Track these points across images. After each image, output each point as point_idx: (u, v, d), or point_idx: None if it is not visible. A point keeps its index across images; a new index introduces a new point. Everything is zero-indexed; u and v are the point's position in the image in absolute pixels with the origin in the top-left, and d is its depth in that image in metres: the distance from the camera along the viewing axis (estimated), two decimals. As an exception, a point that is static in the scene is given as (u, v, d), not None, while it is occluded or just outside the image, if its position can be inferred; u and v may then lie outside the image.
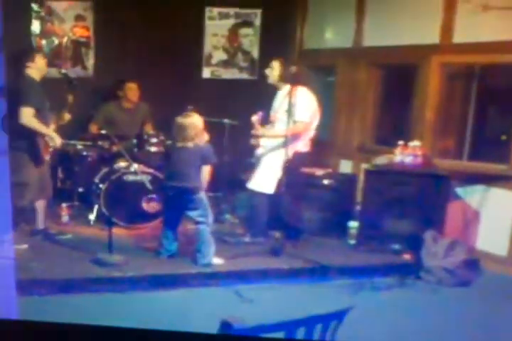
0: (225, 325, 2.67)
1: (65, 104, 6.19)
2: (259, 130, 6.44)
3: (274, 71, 6.47)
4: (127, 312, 4.97)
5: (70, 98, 6.18)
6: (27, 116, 5.78)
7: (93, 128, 7.64)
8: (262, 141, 6.50)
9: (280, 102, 6.46)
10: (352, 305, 2.77)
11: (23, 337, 2.31)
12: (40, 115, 5.92)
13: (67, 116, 6.26)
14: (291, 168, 6.23)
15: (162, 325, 4.54)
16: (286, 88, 6.36)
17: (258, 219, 6.58)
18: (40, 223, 6.42)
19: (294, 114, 6.12)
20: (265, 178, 6.42)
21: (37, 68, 6.03)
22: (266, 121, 6.54)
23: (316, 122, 6.47)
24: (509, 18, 6.16)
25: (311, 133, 6.49)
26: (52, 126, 6.15)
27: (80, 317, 4.73)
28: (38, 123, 5.90)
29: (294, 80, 6.27)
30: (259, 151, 6.56)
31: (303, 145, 6.44)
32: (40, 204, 6.36)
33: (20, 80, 5.91)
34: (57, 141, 6.07)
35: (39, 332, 2.34)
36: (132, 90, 7.86)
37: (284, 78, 6.38)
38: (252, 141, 6.53)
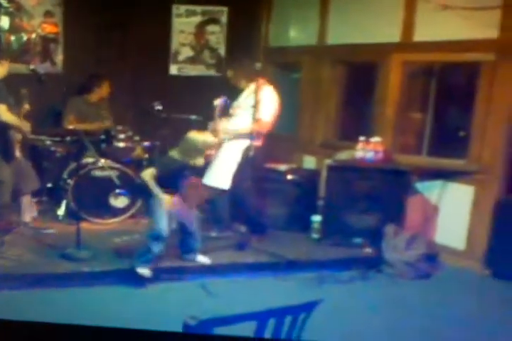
0: (186, 326, 2.65)
1: (24, 96, 6.06)
2: (219, 124, 6.36)
3: (236, 73, 6.44)
4: (95, 307, 4.91)
5: (23, 92, 6.08)
6: (3, 112, 5.74)
7: (66, 124, 7.51)
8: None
9: (245, 97, 6.42)
10: (320, 298, 2.76)
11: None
12: (11, 110, 5.86)
13: (26, 107, 6.10)
14: (249, 162, 6.20)
15: (127, 320, 4.59)
16: (251, 86, 6.32)
17: (221, 214, 6.55)
18: (26, 217, 6.36)
19: (258, 112, 6.08)
20: (220, 174, 6.34)
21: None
22: (225, 112, 6.47)
23: (273, 121, 6.41)
24: (468, 17, 6.17)
25: (267, 130, 6.44)
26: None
27: (48, 312, 4.72)
28: (13, 118, 5.86)
29: (259, 77, 6.25)
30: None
31: (256, 140, 6.39)
32: (24, 199, 6.30)
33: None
34: (26, 129, 6.04)
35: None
36: (104, 86, 7.74)
37: (249, 76, 6.34)
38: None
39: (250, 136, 6.09)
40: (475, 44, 6.17)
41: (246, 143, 6.18)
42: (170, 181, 5.32)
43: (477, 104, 6.31)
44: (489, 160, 6.18)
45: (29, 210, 6.43)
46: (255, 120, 6.09)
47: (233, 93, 6.61)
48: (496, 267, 6.05)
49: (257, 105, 6.07)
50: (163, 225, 5.32)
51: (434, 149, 6.89)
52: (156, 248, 5.37)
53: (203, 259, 5.79)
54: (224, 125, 6.35)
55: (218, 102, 6.34)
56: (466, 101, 6.56)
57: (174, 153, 5.35)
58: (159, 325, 4.42)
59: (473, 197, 6.32)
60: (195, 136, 5.33)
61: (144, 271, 5.42)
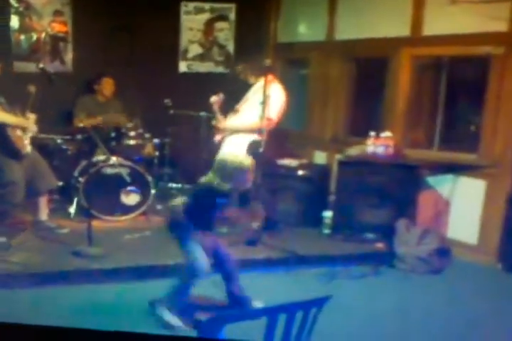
0: (198, 322, 2.61)
1: (26, 103, 5.95)
2: (221, 122, 6.31)
3: (245, 69, 6.38)
4: (106, 304, 4.86)
5: (32, 89, 6.01)
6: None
7: (77, 122, 7.46)
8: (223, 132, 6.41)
9: (253, 93, 6.36)
10: (331, 294, 2.72)
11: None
12: (3, 108, 5.80)
13: (32, 117, 6.01)
14: (258, 158, 6.14)
15: (139, 316, 4.54)
16: (259, 82, 6.25)
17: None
18: (42, 215, 6.31)
19: (266, 110, 5.99)
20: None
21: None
22: (227, 109, 6.42)
23: (280, 117, 6.35)
24: (477, 10, 6.08)
25: (273, 127, 6.36)
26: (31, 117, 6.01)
27: (59, 309, 4.71)
28: (7, 115, 5.79)
29: (268, 73, 6.17)
30: (219, 142, 6.43)
31: (263, 136, 6.31)
32: (41, 198, 6.27)
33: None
34: (31, 126, 5.98)
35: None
36: (108, 85, 7.72)
37: (257, 72, 6.27)
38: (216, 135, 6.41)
39: (257, 131, 6.02)
40: (484, 37, 6.07)
41: (252, 138, 6.12)
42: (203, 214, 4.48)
43: (488, 98, 6.21)
44: (501, 154, 6.08)
45: (45, 209, 6.38)
46: (262, 117, 6.01)
47: (241, 89, 6.56)
48: (508, 261, 5.95)
49: (265, 101, 5.98)
50: (203, 262, 4.45)
51: (445, 143, 6.79)
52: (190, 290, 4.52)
53: (258, 304, 4.79)
54: (227, 122, 6.31)
55: (215, 99, 6.29)
56: (476, 95, 6.45)
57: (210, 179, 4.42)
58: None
59: (485, 192, 6.21)
60: (230, 157, 4.50)
61: (173, 319, 4.42)
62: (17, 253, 5.55)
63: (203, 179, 4.50)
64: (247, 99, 6.41)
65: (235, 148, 6.18)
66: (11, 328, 2.16)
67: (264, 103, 5.95)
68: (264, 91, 5.97)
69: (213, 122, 6.40)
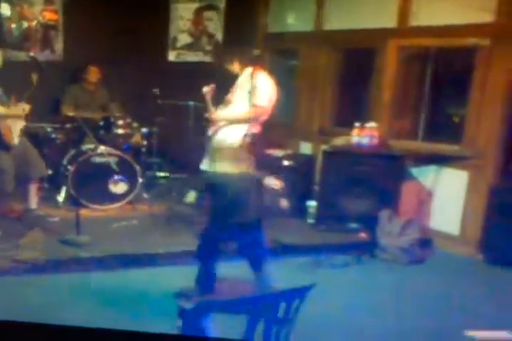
0: (182, 311, 2.62)
1: (23, 95, 5.94)
2: (214, 113, 6.29)
3: (233, 59, 6.35)
4: (94, 292, 4.87)
5: (28, 93, 6.01)
6: None
7: (65, 111, 7.46)
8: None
9: (241, 84, 6.34)
10: (314, 283, 2.73)
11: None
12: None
13: (26, 107, 5.99)
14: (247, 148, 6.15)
15: (127, 305, 4.57)
16: (247, 71, 6.23)
17: None
18: (31, 204, 6.29)
19: (254, 98, 5.99)
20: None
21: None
22: (218, 100, 6.40)
23: (270, 107, 6.34)
24: (463, 2, 6.10)
25: (264, 117, 6.35)
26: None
27: (48, 297, 4.73)
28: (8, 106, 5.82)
29: (256, 63, 6.16)
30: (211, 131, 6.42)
31: (254, 127, 6.32)
32: (31, 186, 6.24)
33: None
34: (23, 117, 5.97)
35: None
36: (94, 73, 7.70)
37: (245, 62, 6.25)
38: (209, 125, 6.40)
39: (248, 121, 6.01)
40: (471, 28, 6.07)
41: (244, 129, 6.11)
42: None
43: (472, 89, 6.20)
44: (484, 146, 6.08)
45: (34, 197, 6.36)
46: (251, 105, 6.00)
47: (229, 79, 6.53)
48: (489, 252, 5.97)
49: (253, 90, 5.97)
50: None
51: (429, 134, 6.80)
52: None
53: None
54: (220, 113, 6.29)
55: (206, 90, 6.26)
56: (461, 87, 6.44)
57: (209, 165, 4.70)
58: (154, 309, 4.47)
59: (467, 182, 6.23)
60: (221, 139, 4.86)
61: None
62: (6, 241, 5.55)
63: (204, 167, 4.68)
64: (236, 89, 6.39)
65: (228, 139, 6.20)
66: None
67: (252, 92, 5.95)
68: (252, 80, 5.97)
69: (206, 114, 6.38)
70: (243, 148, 4.61)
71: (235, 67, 6.37)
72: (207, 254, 4.69)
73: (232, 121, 6.22)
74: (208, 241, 4.69)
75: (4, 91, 5.92)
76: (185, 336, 2.58)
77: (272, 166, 6.88)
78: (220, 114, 6.25)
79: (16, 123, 5.95)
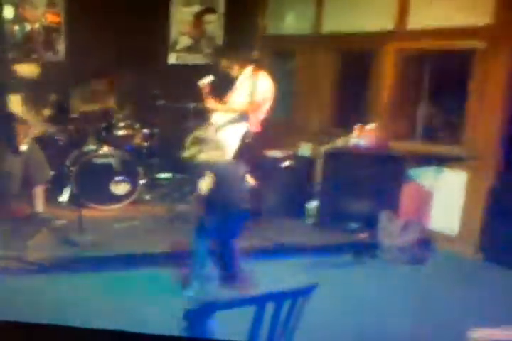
0: (186, 310, 2.62)
1: (47, 101, 6.14)
2: (211, 102, 6.32)
3: (231, 60, 6.42)
4: (97, 292, 4.88)
5: (53, 97, 6.07)
6: (15, 103, 5.71)
7: (72, 112, 7.42)
8: (214, 118, 6.41)
9: (239, 84, 6.41)
10: (316, 283, 2.73)
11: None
12: (24, 103, 5.85)
13: (47, 113, 6.16)
14: (246, 149, 6.18)
15: (130, 304, 4.56)
16: (244, 72, 6.32)
17: None
18: (38, 207, 6.28)
19: (251, 96, 6.09)
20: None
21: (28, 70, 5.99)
22: (217, 94, 6.43)
23: (267, 105, 6.37)
24: (460, 5, 6.10)
25: (261, 115, 6.37)
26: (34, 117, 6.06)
27: (51, 297, 4.72)
28: (25, 111, 5.85)
29: (253, 64, 6.24)
30: (209, 129, 6.44)
31: (253, 126, 6.34)
32: (37, 189, 6.24)
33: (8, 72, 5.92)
34: (39, 128, 6.10)
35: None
36: (110, 85, 7.62)
37: (242, 64, 6.33)
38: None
39: (242, 117, 6.10)
40: (468, 31, 6.07)
41: (242, 127, 6.18)
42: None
43: (470, 91, 6.20)
44: (483, 146, 6.07)
45: (40, 200, 6.34)
46: (248, 103, 6.09)
47: (229, 80, 6.57)
48: (488, 252, 5.97)
49: (251, 90, 6.07)
50: None
51: (429, 135, 6.81)
52: None
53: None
54: (217, 105, 6.34)
55: (205, 82, 6.26)
56: (459, 88, 6.43)
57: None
58: (158, 310, 4.46)
59: (466, 183, 6.22)
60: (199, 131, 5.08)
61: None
62: (12, 243, 5.53)
63: (187, 154, 4.85)
64: (234, 89, 6.45)
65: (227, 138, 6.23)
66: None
67: (249, 91, 6.04)
68: (249, 81, 6.06)
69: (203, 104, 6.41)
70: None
71: (234, 67, 6.44)
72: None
73: (229, 119, 6.28)
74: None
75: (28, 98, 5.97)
76: (189, 338, 2.58)
77: (268, 167, 6.90)
78: (217, 105, 6.31)
79: (31, 128, 6.02)
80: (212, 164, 4.73)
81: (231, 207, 4.78)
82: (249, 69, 6.29)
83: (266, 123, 6.40)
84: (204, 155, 4.76)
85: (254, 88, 6.12)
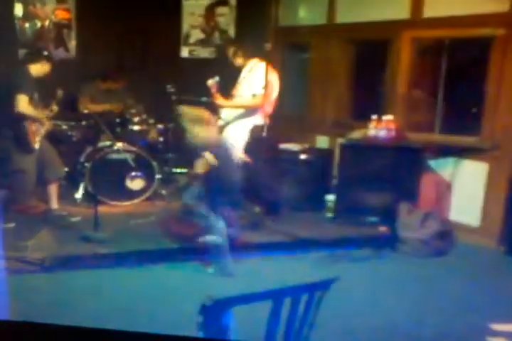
0: (204, 306, 2.54)
1: (54, 97, 6.07)
2: (219, 99, 6.31)
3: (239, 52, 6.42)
4: (114, 288, 4.83)
5: (60, 93, 6.06)
6: (23, 103, 5.67)
7: (82, 109, 7.37)
8: (222, 114, 6.37)
9: (243, 77, 6.40)
10: (337, 276, 2.62)
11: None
12: (32, 102, 5.82)
13: (55, 109, 6.11)
14: (260, 143, 6.14)
15: (145, 301, 4.49)
16: (250, 64, 6.30)
17: (233, 194, 6.44)
18: (52, 204, 6.25)
19: (257, 88, 6.06)
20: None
21: (40, 69, 5.98)
22: (224, 90, 6.40)
23: (273, 97, 6.33)
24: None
25: (268, 107, 6.32)
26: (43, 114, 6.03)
27: (68, 293, 4.67)
28: (33, 110, 5.82)
29: (261, 56, 6.21)
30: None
31: (260, 119, 6.29)
32: (51, 187, 6.22)
33: (17, 71, 5.94)
34: (50, 125, 6.13)
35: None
36: (122, 81, 7.58)
37: (248, 55, 6.34)
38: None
39: (250, 112, 6.09)
40: (485, 18, 5.92)
41: (252, 121, 6.18)
42: None
43: (489, 80, 6.06)
44: (502, 137, 5.93)
45: (55, 198, 6.30)
46: (254, 95, 6.07)
47: (238, 73, 6.54)
48: (510, 244, 5.84)
49: (257, 81, 6.08)
50: None
51: (447, 126, 6.64)
52: None
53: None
54: (225, 102, 6.32)
55: (211, 83, 6.26)
56: (477, 77, 6.30)
57: None
58: (173, 306, 4.40)
59: (487, 174, 6.08)
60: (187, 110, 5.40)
61: None
62: (28, 239, 5.47)
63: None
64: (240, 82, 6.46)
65: (237, 133, 6.19)
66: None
67: (255, 83, 6.04)
68: (255, 72, 6.07)
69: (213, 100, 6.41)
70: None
71: (238, 60, 6.43)
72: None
73: (239, 113, 6.24)
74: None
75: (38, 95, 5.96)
76: (201, 338, 2.51)
77: (285, 160, 6.83)
78: (224, 101, 6.30)
79: (43, 126, 6.01)
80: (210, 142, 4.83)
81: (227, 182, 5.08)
82: (258, 62, 6.30)
83: (277, 116, 6.35)
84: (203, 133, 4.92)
85: (258, 80, 6.14)
